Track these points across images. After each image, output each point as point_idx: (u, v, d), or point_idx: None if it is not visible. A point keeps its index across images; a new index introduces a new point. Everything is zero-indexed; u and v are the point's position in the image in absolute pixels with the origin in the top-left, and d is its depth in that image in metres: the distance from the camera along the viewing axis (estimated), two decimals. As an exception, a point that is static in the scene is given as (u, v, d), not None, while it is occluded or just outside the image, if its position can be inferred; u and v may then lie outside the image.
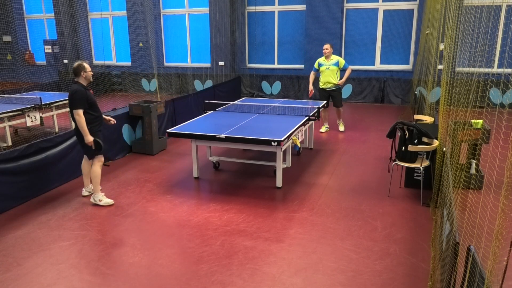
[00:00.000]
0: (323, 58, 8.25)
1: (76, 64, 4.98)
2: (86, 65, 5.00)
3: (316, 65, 8.34)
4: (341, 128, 8.54)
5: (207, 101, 7.37)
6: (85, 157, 5.31)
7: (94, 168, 5.11)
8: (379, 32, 11.88)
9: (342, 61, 8.21)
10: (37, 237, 4.33)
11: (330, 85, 8.24)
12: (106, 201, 5.14)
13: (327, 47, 8.15)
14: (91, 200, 5.16)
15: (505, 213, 1.89)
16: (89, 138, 4.88)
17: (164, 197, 5.33)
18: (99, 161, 5.11)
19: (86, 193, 5.41)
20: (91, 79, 5.08)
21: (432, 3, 8.30)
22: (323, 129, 8.60)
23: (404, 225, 4.48)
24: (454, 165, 4.06)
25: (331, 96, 8.33)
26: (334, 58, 8.20)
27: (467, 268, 2.28)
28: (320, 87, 8.39)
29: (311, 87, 8.35)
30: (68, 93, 5.02)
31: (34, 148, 5.34)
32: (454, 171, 3.90)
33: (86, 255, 3.97)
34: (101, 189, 5.25)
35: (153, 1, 13.64)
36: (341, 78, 8.25)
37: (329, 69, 8.17)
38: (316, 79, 8.47)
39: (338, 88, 8.32)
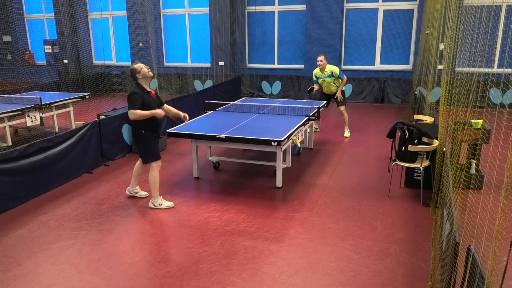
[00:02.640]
0: (318, 69, 8.16)
1: (129, 69, 4.91)
2: (137, 66, 4.85)
3: (314, 78, 8.28)
4: (347, 134, 8.31)
5: (207, 101, 7.37)
6: (139, 159, 5.23)
7: (152, 173, 4.96)
8: (379, 32, 11.88)
9: (336, 71, 8.02)
10: (37, 237, 4.33)
11: (333, 92, 8.21)
12: (167, 204, 5.04)
13: (321, 59, 8.00)
14: (150, 205, 5.01)
15: (505, 213, 1.89)
16: (161, 113, 4.87)
17: (164, 197, 5.32)
18: (157, 166, 4.97)
19: (128, 193, 5.37)
20: (151, 74, 4.90)
21: (432, 3, 8.30)
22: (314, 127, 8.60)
23: (404, 225, 4.48)
24: (454, 165, 4.06)
25: (333, 98, 8.25)
26: (328, 69, 8.05)
27: (467, 268, 2.27)
28: (323, 91, 8.36)
29: (316, 87, 8.22)
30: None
31: (34, 148, 5.34)
32: (454, 171, 3.90)
33: (86, 255, 3.97)
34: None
35: (153, 1, 13.64)
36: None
37: (325, 81, 8.11)
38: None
39: (341, 91, 8.24)
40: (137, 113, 4.71)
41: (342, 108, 8.23)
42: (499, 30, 10.02)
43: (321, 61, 8.00)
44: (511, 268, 2.11)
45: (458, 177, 4.38)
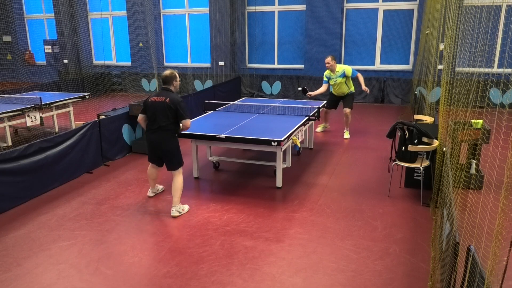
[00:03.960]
0: (328, 71, 7.93)
1: (168, 72, 4.83)
2: (177, 75, 4.88)
3: (325, 78, 8.04)
4: (347, 135, 8.14)
5: (207, 101, 7.37)
6: (151, 164, 5.11)
7: (179, 179, 4.87)
8: (379, 32, 11.88)
9: (348, 70, 7.81)
10: (37, 237, 4.33)
11: (344, 94, 8.03)
12: (186, 207, 4.98)
13: (328, 60, 7.77)
14: (174, 214, 4.81)
15: (505, 213, 1.89)
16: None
17: (164, 197, 5.33)
18: (181, 171, 4.93)
19: (152, 194, 5.38)
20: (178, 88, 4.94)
21: (432, 3, 8.30)
22: (319, 129, 8.58)
23: (404, 225, 4.48)
24: (454, 165, 4.06)
25: (343, 98, 8.10)
26: (340, 69, 7.83)
27: (467, 268, 2.27)
28: (333, 93, 8.19)
29: (314, 93, 7.99)
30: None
31: (34, 148, 5.34)
32: (454, 171, 3.90)
33: (86, 255, 3.97)
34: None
35: (153, 1, 13.64)
36: (361, 86, 7.98)
37: (337, 82, 7.88)
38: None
39: (350, 93, 8.06)
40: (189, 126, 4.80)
41: (348, 110, 8.01)
42: (499, 30, 10.02)
43: (328, 63, 7.79)
44: (511, 268, 2.11)
45: (458, 177, 4.38)
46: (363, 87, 7.92)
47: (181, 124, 4.80)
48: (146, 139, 4.90)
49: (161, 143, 4.79)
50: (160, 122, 4.69)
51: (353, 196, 5.30)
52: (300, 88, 8.02)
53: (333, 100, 8.22)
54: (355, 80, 8.06)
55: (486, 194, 4.98)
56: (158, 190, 5.47)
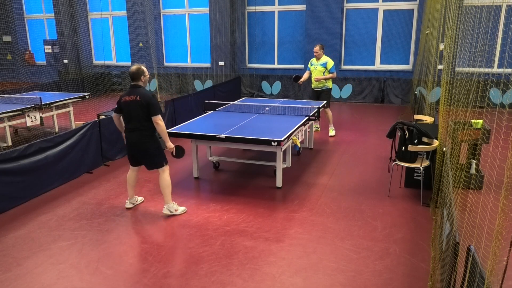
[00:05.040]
0: (314, 59, 8.28)
1: (135, 67, 4.57)
2: (145, 68, 4.64)
3: (309, 65, 8.41)
4: (332, 133, 8.34)
5: (207, 101, 7.37)
6: (132, 167, 4.90)
7: (165, 176, 4.71)
8: (379, 32, 11.88)
9: (330, 64, 8.09)
10: (37, 237, 4.33)
11: (317, 84, 8.21)
12: (182, 209, 4.85)
13: (316, 49, 8.12)
14: (165, 212, 4.75)
15: (505, 213, 1.89)
16: (171, 144, 4.65)
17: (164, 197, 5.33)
18: (167, 168, 4.76)
19: (130, 205, 5.02)
20: (148, 84, 4.69)
21: (432, 3, 8.30)
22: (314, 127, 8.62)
23: (404, 225, 4.48)
24: (454, 165, 4.06)
25: (319, 97, 8.28)
26: (325, 59, 8.16)
27: (467, 268, 2.27)
28: (312, 87, 8.41)
29: (301, 80, 8.37)
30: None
31: (34, 148, 5.34)
32: (454, 171, 3.90)
33: (86, 255, 3.97)
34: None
35: (153, 1, 13.63)
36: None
37: (317, 69, 8.17)
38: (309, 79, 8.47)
39: (326, 89, 8.24)
40: (163, 126, 4.54)
41: (328, 111, 8.27)
42: (499, 30, 10.02)
43: (316, 52, 8.12)
44: (511, 268, 2.11)
45: (458, 177, 4.37)
46: (322, 77, 8.08)
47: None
48: (125, 138, 4.70)
49: (138, 143, 4.61)
50: (135, 122, 4.53)
51: (353, 196, 5.30)
52: (294, 76, 8.42)
53: (313, 96, 8.43)
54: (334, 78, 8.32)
55: (486, 194, 4.98)
56: (137, 201, 5.12)
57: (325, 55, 8.24)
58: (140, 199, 5.20)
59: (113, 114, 4.77)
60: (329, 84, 8.27)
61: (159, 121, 4.52)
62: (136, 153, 4.72)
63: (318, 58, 8.19)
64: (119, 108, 4.67)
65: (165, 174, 4.73)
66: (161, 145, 4.72)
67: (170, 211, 4.77)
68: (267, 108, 7.02)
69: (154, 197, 5.35)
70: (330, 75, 8.10)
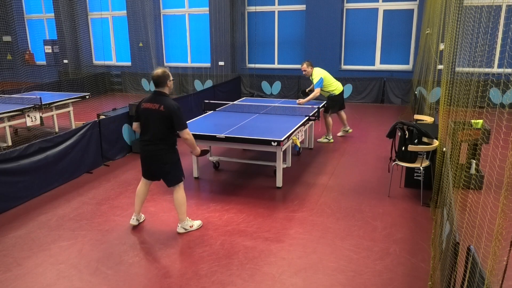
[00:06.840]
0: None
1: (160, 70, 4.09)
2: (169, 73, 4.19)
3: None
4: (324, 140, 7.85)
5: (207, 101, 7.37)
6: (143, 180, 4.45)
7: (181, 192, 4.29)
8: (379, 32, 11.88)
9: (315, 79, 7.41)
10: (37, 237, 4.33)
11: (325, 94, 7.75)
12: (197, 223, 4.47)
13: (303, 67, 7.46)
14: (179, 231, 4.35)
15: (505, 213, 1.89)
16: (198, 151, 4.38)
17: (164, 197, 5.33)
18: (182, 184, 4.35)
19: (136, 223, 4.50)
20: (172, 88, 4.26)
21: (432, 3, 8.30)
22: (340, 133, 8.31)
23: (404, 225, 4.48)
24: (454, 165, 4.06)
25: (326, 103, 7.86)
26: (313, 75, 7.46)
27: (467, 268, 2.27)
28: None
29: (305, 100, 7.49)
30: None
31: (34, 148, 5.34)
32: (454, 171, 3.90)
33: (86, 255, 3.97)
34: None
35: (153, 1, 13.64)
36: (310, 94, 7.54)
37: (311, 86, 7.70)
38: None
39: (330, 96, 7.71)
40: (192, 139, 4.16)
41: (328, 118, 7.77)
42: (499, 30, 10.02)
43: (304, 70, 7.50)
44: (511, 268, 2.11)
45: (458, 177, 4.37)
46: (304, 100, 7.39)
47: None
48: (140, 150, 4.31)
49: (154, 157, 4.16)
50: (154, 133, 4.08)
51: (353, 196, 5.30)
52: (301, 90, 7.91)
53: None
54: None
55: (486, 194, 4.98)
56: (142, 218, 4.67)
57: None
58: (143, 217, 4.71)
59: (134, 124, 4.30)
60: (336, 91, 7.67)
61: (187, 136, 4.11)
62: (153, 167, 4.27)
63: (308, 76, 7.58)
64: (137, 116, 4.22)
65: (181, 190, 4.32)
66: (179, 158, 4.35)
67: (185, 229, 4.38)
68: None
69: (154, 197, 5.35)
70: (314, 94, 7.37)
